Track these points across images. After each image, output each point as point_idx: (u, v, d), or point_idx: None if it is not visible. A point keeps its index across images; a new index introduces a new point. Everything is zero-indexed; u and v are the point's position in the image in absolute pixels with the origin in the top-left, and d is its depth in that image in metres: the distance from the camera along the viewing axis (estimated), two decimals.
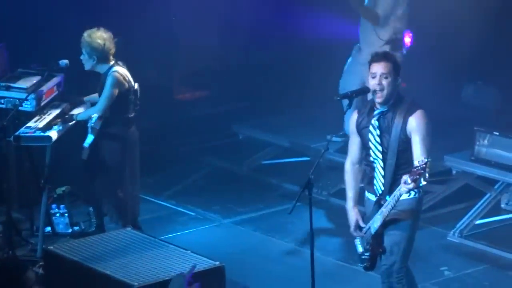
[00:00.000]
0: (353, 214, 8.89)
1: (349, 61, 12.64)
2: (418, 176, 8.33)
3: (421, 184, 8.43)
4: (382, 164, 8.80)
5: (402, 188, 8.46)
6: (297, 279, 9.70)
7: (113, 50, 10.71)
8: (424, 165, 8.30)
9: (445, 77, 13.05)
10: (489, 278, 10.54)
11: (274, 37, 14.18)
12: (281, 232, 11.34)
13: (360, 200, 8.97)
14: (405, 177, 8.38)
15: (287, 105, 13.79)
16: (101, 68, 10.75)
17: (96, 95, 10.89)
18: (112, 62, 10.79)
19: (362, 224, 8.88)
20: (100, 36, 10.67)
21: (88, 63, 10.71)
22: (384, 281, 9.05)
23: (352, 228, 8.91)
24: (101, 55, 10.66)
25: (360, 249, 8.98)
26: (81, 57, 10.74)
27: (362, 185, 9.14)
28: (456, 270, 10.65)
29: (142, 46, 12.75)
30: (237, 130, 13.44)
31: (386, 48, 12.05)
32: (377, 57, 8.83)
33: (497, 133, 11.32)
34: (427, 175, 8.36)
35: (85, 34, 10.70)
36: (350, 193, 8.97)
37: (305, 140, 12.66)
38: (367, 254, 8.95)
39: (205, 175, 13.11)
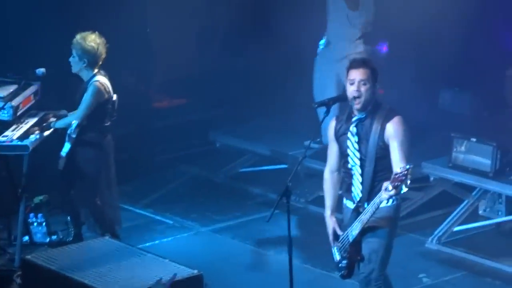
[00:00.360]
0: (330, 223, 8.96)
1: (317, 60, 12.65)
2: (399, 183, 8.36)
3: (402, 191, 8.45)
4: (360, 171, 8.85)
5: (383, 195, 8.48)
6: (275, 286, 9.75)
7: (104, 56, 10.78)
8: (405, 172, 8.32)
9: (422, 83, 13.09)
10: (468, 284, 10.65)
11: (250, 44, 14.08)
12: (259, 240, 11.37)
13: (338, 207, 8.87)
14: (386, 184, 8.42)
15: (263, 112, 13.71)
16: (86, 75, 10.77)
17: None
18: (95, 71, 10.83)
19: (339, 232, 8.93)
20: (93, 40, 10.74)
21: (76, 66, 10.74)
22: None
23: (330, 238, 9.01)
24: (92, 59, 10.71)
25: (337, 257, 9.01)
26: (70, 59, 10.73)
27: (340, 192, 9.16)
28: (434, 277, 10.71)
29: (118, 53, 12.73)
30: (214, 138, 13.39)
31: (360, 43, 12.36)
32: (355, 63, 8.89)
33: (474, 139, 11.38)
34: (408, 181, 8.39)
35: (78, 36, 10.75)
36: (328, 202, 9.01)
37: (283, 148, 12.62)
38: (345, 262, 8.99)
39: (183, 183, 13.11)
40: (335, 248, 8.99)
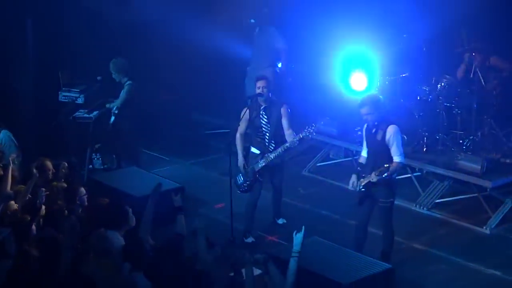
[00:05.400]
0: (241, 161, 9.26)
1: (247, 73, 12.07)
2: (308, 134, 8.83)
3: (304, 135, 8.82)
4: (270, 133, 9.16)
5: (290, 139, 8.89)
6: (223, 192, 9.53)
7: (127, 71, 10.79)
8: (313, 127, 8.84)
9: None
10: (324, 193, 10.76)
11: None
12: (217, 167, 11.25)
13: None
14: (293, 136, 8.87)
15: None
16: (123, 80, 10.86)
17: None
18: (128, 78, 10.82)
19: (246, 166, 9.24)
20: (117, 61, 10.79)
21: (116, 77, 10.87)
22: (276, 194, 9.50)
23: (241, 169, 9.24)
24: (119, 72, 10.81)
25: (240, 180, 9.26)
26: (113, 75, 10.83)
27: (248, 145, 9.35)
28: (306, 189, 10.92)
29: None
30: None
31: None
32: (258, 77, 9.25)
33: (328, 118, 11.03)
34: (311, 130, 8.86)
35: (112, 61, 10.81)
36: (240, 150, 9.30)
37: (228, 121, 12.16)
38: (247, 183, 9.20)
39: (177, 140, 12.65)
40: (240, 175, 9.23)
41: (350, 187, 8.50)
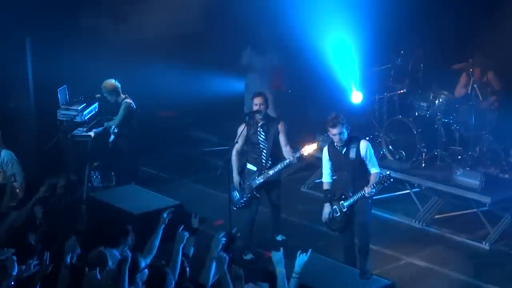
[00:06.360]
0: (237, 178, 9.19)
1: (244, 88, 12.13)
2: (304, 149, 8.73)
3: (299, 154, 8.71)
4: (267, 149, 9.09)
5: (291, 157, 8.78)
6: (222, 208, 9.24)
7: (115, 88, 10.86)
8: (315, 145, 8.75)
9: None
10: (317, 208, 10.08)
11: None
12: (216, 184, 10.91)
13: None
14: (292, 153, 8.77)
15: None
16: (119, 99, 11.03)
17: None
18: (123, 96, 11.00)
19: (241, 183, 9.16)
20: (108, 83, 10.89)
21: (110, 98, 11.00)
22: (274, 211, 9.37)
23: (237, 186, 9.14)
24: (112, 93, 10.93)
25: (237, 196, 9.17)
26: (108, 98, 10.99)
27: (245, 160, 9.22)
28: (304, 205, 10.79)
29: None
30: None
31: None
32: (255, 94, 9.20)
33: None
34: (309, 148, 8.73)
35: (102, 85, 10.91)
36: (235, 167, 9.21)
37: (225, 141, 12.26)
38: (244, 200, 9.14)
39: (174, 159, 12.77)
40: (236, 192, 9.15)
41: (326, 218, 8.36)
